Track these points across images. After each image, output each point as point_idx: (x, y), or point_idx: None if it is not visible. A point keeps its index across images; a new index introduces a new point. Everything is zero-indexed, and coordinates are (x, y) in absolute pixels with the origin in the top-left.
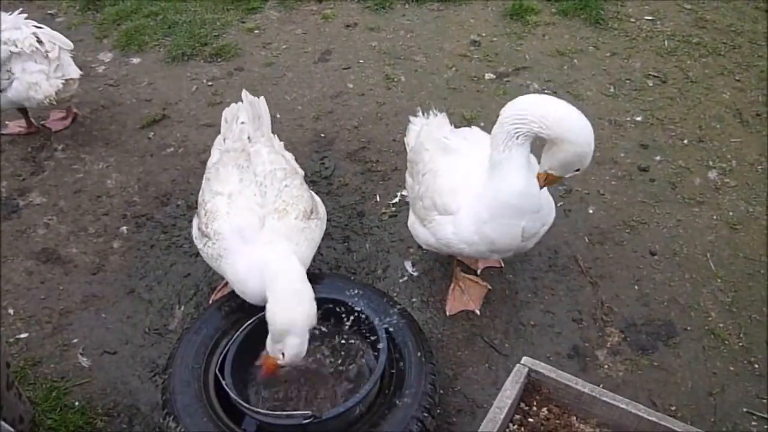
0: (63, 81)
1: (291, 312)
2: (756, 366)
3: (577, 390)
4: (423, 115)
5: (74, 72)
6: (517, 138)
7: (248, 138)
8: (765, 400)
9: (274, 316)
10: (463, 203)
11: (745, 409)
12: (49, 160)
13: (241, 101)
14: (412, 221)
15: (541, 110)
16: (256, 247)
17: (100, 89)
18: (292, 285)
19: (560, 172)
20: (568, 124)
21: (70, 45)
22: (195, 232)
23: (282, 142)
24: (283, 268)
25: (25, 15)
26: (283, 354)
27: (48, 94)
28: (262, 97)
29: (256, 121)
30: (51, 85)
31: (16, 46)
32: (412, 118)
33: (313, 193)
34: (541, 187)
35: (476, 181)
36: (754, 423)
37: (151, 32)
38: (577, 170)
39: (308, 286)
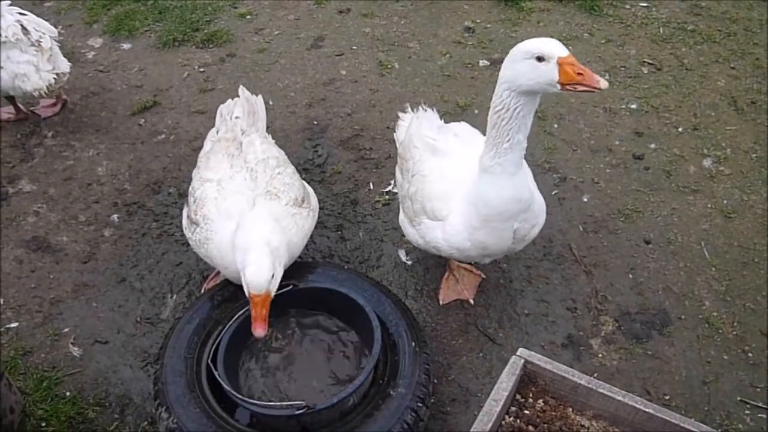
0: (54, 75)
1: (248, 233)
2: (750, 355)
3: (574, 382)
4: (412, 111)
5: (64, 65)
6: (508, 139)
7: (241, 131)
8: (759, 389)
9: (236, 239)
10: (453, 209)
11: (739, 398)
12: (38, 147)
13: (237, 96)
14: (402, 218)
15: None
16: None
17: (90, 75)
18: (251, 223)
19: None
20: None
21: (55, 32)
22: (185, 221)
23: (274, 141)
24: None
25: (9, 2)
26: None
27: (38, 87)
28: (260, 96)
29: (251, 117)
30: (42, 78)
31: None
32: (401, 114)
33: (306, 184)
34: (577, 83)
35: (466, 186)
36: (747, 412)
37: (142, 17)
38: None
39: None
